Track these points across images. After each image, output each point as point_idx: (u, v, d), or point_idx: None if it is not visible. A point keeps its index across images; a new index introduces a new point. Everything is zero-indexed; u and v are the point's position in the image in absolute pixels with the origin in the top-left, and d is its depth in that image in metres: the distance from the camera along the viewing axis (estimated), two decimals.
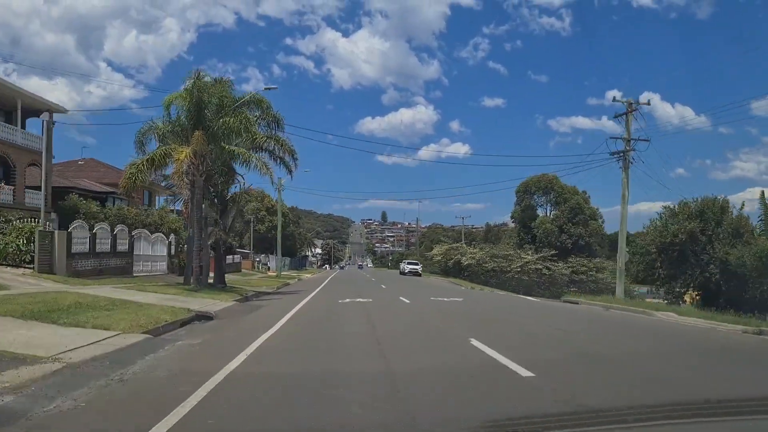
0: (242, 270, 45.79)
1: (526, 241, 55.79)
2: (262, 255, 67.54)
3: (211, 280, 22.33)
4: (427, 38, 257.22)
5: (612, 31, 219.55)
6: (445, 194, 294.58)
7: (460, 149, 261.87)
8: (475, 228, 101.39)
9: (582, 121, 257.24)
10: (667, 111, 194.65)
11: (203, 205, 20.37)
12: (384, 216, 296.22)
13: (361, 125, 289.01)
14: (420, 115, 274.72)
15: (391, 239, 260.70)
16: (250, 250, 59.30)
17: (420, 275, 56.05)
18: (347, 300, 18.58)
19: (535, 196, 57.59)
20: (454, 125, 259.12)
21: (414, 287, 31.42)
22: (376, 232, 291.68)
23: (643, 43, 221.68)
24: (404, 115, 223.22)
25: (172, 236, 28.21)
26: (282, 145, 22.89)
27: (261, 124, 22.75)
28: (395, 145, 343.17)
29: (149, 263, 26.21)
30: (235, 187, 23.83)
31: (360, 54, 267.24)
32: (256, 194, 75.60)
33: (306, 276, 50.13)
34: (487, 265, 49.74)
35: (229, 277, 34.80)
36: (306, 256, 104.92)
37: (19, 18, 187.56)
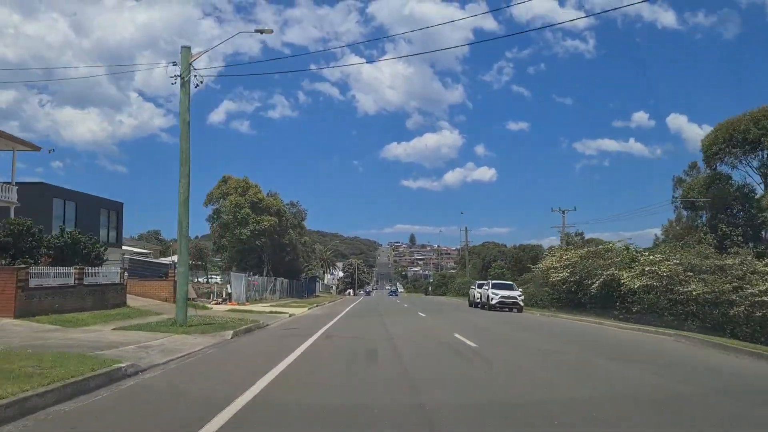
0: (128, 304, 19.12)
1: (736, 241, 27.91)
2: (251, 274, 41.10)
3: None
4: (451, 63, 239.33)
5: (636, 53, 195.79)
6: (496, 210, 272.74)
7: (486, 173, 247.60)
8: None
9: (608, 143, 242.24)
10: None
11: None
12: (412, 239, 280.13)
13: (386, 150, 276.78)
14: (445, 139, 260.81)
15: (421, 262, 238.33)
16: (170, 260, 32.40)
17: (522, 309, 28.70)
18: None
19: (743, 153, 29.70)
20: (479, 149, 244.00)
21: None
22: (404, 255, 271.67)
23: (669, 64, 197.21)
24: (429, 139, 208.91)
25: None
26: None
27: None
28: (420, 169, 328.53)
29: None
30: None
31: (384, 79, 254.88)
32: (234, 184, 49.40)
33: (291, 312, 23.10)
34: (689, 288, 22.01)
35: None
36: (315, 278, 77.43)
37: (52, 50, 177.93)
